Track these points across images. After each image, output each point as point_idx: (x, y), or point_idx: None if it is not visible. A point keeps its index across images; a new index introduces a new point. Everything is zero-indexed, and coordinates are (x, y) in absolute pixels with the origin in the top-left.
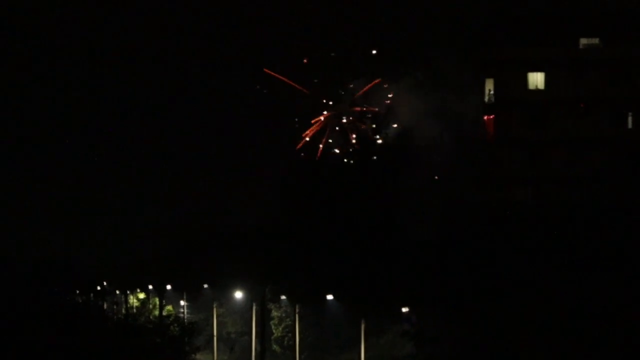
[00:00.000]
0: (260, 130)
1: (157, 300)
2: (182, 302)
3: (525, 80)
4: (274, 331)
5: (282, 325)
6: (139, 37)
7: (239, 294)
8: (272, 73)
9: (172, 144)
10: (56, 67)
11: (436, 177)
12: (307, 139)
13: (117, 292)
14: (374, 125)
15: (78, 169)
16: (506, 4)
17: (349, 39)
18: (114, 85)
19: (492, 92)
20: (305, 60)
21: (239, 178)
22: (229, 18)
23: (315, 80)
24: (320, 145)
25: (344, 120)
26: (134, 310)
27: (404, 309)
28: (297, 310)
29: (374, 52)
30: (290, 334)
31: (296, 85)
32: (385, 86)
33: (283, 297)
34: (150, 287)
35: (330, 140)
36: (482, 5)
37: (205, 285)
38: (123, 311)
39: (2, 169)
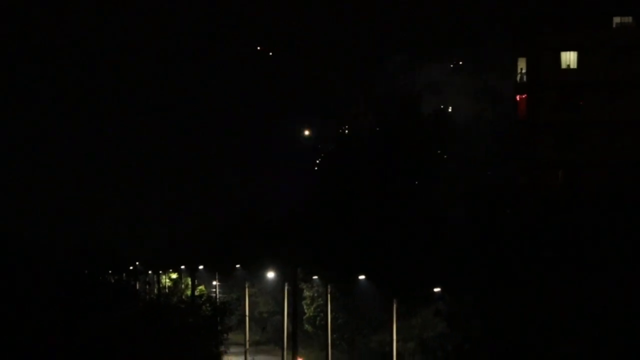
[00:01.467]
0: (287, 124)
1: (189, 280)
2: (214, 282)
3: (558, 60)
4: (305, 311)
5: (314, 305)
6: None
7: (271, 274)
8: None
9: (202, 138)
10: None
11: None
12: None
13: (150, 272)
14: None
15: (111, 155)
16: None
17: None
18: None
19: (524, 71)
20: None
21: (271, 164)
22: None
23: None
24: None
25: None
26: (167, 290)
27: (436, 290)
28: (329, 291)
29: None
30: (322, 314)
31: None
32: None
33: (315, 277)
34: (183, 267)
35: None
36: None
37: (238, 266)
38: (155, 291)
39: (33, 161)
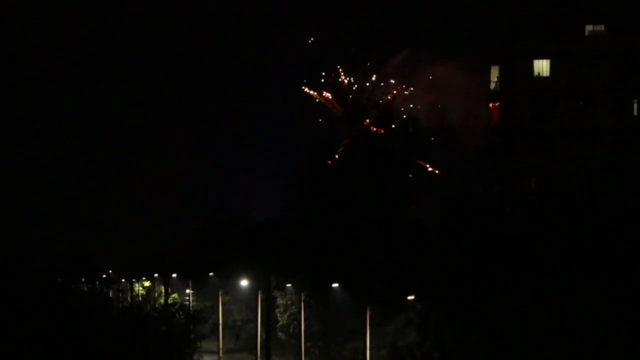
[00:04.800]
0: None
1: (162, 288)
2: (187, 290)
3: (530, 68)
4: (279, 319)
5: (288, 313)
6: (142, 37)
7: (244, 282)
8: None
9: (177, 139)
10: (56, 68)
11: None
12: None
13: (123, 280)
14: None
15: (82, 161)
16: None
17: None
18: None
19: (497, 79)
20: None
21: (243, 170)
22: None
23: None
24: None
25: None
26: (140, 298)
27: (409, 297)
28: (302, 298)
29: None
30: (295, 322)
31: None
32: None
33: (289, 285)
34: (156, 275)
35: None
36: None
37: (211, 274)
38: (128, 299)
39: (7, 165)
